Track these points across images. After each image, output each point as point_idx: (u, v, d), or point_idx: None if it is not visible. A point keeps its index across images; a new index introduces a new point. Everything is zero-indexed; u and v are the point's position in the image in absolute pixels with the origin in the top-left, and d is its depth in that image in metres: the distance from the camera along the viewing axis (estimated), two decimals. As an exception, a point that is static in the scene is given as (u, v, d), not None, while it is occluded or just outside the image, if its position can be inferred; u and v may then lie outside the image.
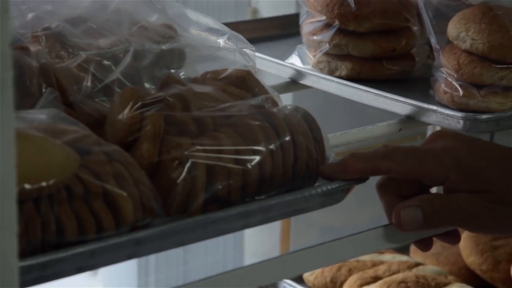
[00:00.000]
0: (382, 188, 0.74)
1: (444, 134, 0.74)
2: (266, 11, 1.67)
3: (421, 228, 0.70)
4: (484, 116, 0.88)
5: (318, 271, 1.31)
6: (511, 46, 0.89)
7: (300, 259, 0.69)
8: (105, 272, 1.92)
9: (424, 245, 0.75)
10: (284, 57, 1.08)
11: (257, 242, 1.76)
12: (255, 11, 1.68)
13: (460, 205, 0.70)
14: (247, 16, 1.68)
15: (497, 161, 0.72)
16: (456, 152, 0.71)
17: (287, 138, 0.64)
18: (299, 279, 1.31)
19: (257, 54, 1.09)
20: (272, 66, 1.07)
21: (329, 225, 1.71)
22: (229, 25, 1.18)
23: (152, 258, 1.79)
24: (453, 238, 0.75)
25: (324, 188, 0.68)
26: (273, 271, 0.68)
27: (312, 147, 0.66)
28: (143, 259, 1.75)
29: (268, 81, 1.21)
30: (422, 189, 0.74)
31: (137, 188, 0.61)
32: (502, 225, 0.72)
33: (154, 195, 0.62)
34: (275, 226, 1.71)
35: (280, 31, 1.21)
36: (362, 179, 0.71)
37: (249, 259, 1.81)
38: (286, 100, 0.97)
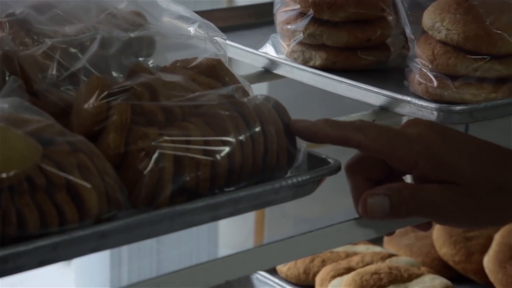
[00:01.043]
0: (350, 169, 0.74)
1: (419, 121, 0.74)
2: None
3: (387, 217, 0.70)
4: (458, 108, 0.88)
5: (291, 262, 1.30)
6: (486, 37, 0.89)
7: (273, 252, 0.69)
8: (78, 262, 1.91)
9: (423, 225, 0.75)
10: (258, 46, 1.07)
11: (231, 233, 1.76)
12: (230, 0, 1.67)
13: (429, 197, 0.69)
14: (223, 5, 1.66)
15: (470, 154, 0.71)
16: (429, 140, 0.70)
17: (257, 129, 0.64)
18: (272, 270, 1.30)
19: (230, 43, 1.08)
20: (245, 55, 1.06)
21: (304, 215, 1.71)
22: (203, 13, 1.16)
23: (124, 248, 1.78)
24: (425, 225, 0.75)
25: (295, 180, 0.68)
26: (246, 263, 0.68)
27: (283, 138, 0.66)
28: (115, 250, 1.75)
29: (241, 71, 1.19)
30: (392, 176, 0.73)
31: (102, 180, 0.60)
32: (470, 218, 0.72)
33: (119, 187, 0.61)
34: (249, 217, 1.70)
35: (254, 20, 1.20)
36: (335, 170, 0.71)
37: (223, 250, 1.81)
38: (261, 90, 0.96)
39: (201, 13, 1.14)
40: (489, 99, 0.90)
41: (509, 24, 0.90)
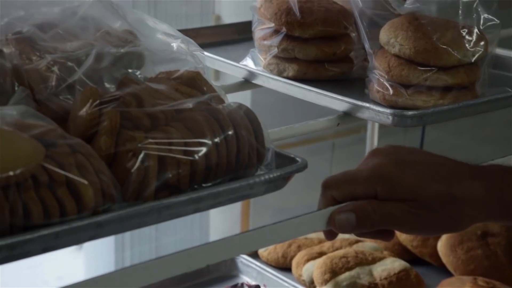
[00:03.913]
0: (324, 187, 0.74)
1: (377, 152, 0.75)
2: (228, 18, 1.66)
3: (354, 230, 0.71)
4: (410, 113, 0.88)
5: (271, 247, 1.30)
6: (434, 51, 0.90)
7: (255, 237, 0.69)
8: (87, 247, 1.91)
9: (385, 236, 0.75)
10: (239, 59, 1.07)
11: (220, 222, 1.76)
12: (218, 18, 1.67)
13: (389, 211, 0.70)
14: (211, 23, 1.67)
15: (422, 172, 0.72)
16: (383, 168, 0.71)
17: (231, 132, 0.64)
18: (254, 255, 1.31)
19: (215, 56, 1.08)
20: (228, 68, 1.06)
21: (283, 207, 1.71)
22: (192, 30, 1.17)
23: (127, 236, 1.78)
24: (387, 235, 0.75)
25: (266, 176, 0.68)
26: (231, 247, 0.67)
27: (253, 140, 0.66)
28: (119, 237, 1.75)
29: (224, 81, 1.20)
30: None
31: (98, 177, 0.60)
32: (428, 228, 0.72)
33: (113, 183, 0.61)
34: (236, 208, 1.70)
35: (237, 36, 1.20)
36: (302, 168, 0.71)
37: (213, 237, 1.81)
38: (242, 97, 0.96)
39: (190, 30, 1.14)
40: (437, 105, 0.91)
41: (453, 40, 0.90)
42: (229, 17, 1.66)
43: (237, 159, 0.65)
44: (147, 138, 0.61)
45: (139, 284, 0.62)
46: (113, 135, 0.61)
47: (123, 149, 0.61)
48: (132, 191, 0.61)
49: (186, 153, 0.62)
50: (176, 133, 0.62)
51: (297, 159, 0.71)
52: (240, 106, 0.66)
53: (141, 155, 0.60)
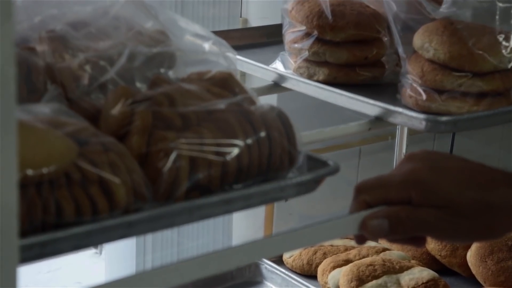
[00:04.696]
0: (357, 191, 0.74)
1: (412, 156, 0.75)
2: (255, 21, 1.67)
3: (386, 236, 0.71)
4: (444, 118, 0.88)
5: (296, 254, 1.31)
6: (469, 56, 0.90)
7: (287, 239, 0.69)
8: (107, 251, 1.92)
9: (417, 242, 0.75)
10: (268, 62, 1.08)
11: (244, 228, 1.76)
12: (245, 21, 1.68)
13: (423, 217, 0.70)
14: (239, 25, 1.67)
15: (457, 178, 0.71)
16: (419, 173, 0.71)
17: (263, 134, 0.64)
18: (279, 261, 1.31)
19: (244, 59, 1.09)
20: (257, 70, 1.07)
21: (307, 213, 1.71)
22: (221, 33, 1.17)
23: (149, 240, 1.79)
24: (419, 242, 0.75)
25: (298, 179, 0.68)
26: (254, 251, 0.67)
27: (285, 142, 0.66)
28: (141, 241, 1.76)
29: (254, 84, 1.20)
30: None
31: (130, 176, 0.60)
32: (462, 235, 0.72)
33: (144, 183, 0.61)
34: (260, 214, 1.71)
35: (266, 39, 1.21)
36: (333, 171, 0.71)
37: (236, 242, 1.81)
38: (271, 101, 0.97)
39: (219, 33, 1.15)
40: (472, 111, 0.91)
41: (489, 45, 0.90)
42: (256, 21, 1.66)
43: (268, 161, 0.65)
44: (179, 138, 0.61)
45: (165, 286, 0.62)
46: (145, 134, 0.61)
47: (154, 149, 0.61)
48: (163, 191, 0.61)
49: (217, 154, 0.62)
50: (208, 134, 0.62)
51: (329, 162, 0.72)
52: (273, 108, 0.66)
53: (173, 155, 0.60)
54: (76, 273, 2.12)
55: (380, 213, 0.70)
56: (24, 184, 0.56)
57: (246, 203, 0.66)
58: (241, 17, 1.69)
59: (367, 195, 0.72)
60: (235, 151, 0.63)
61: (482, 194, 0.70)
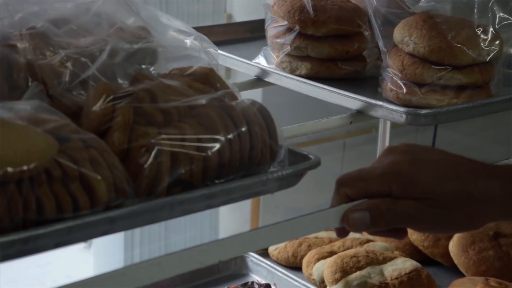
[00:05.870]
0: (338, 184, 0.73)
1: (392, 149, 0.74)
2: (240, 16, 1.66)
3: (368, 229, 0.70)
4: (424, 111, 0.88)
5: (281, 246, 1.30)
6: (448, 49, 0.89)
7: (269, 233, 0.68)
8: (96, 245, 1.91)
9: (399, 234, 0.74)
10: (252, 57, 1.07)
11: (230, 221, 1.76)
12: (230, 16, 1.67)
13: (404, 209, 0.69)
14: (223, 21, 1.67)
15: (437, 170, 0.71)
16: (398, 166, 0.71)
17: (244, 129, 0.64)
18: (264, 254, 1.30)
19: (228, 54, 1.08)
20: (240, 65, 1.07)
21: (294, 206, 1.71)
22: (205, 28, 1.17)
23: (136, 234, 1.79)
24: (400, 234, 0.74)
25: (279, 173, 0.68)
26: (245, 243, 0.67)
27: (266, 137, 0.66)
28: (129, 235, 1.75)
29: (237, 78, 1.20)
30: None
31: (111, 172, 0.60)
32: (443, 226, 0.71)
33: (126, 178, 0.61)
34: (246, 207, 1.70)
35: (249, 34, 1.21)
36: (315, 165, 0.71)
37: (223, 236, 1.80)
38: (254, 95, 0.96)
39: (203, 28, 1.15)
40: (451, 104, 0.91)
41: (468, 39, 0.90)
42: (240, 16, 1.66)
43: (250, 156, 0.65)
44: (160, 134, 0.61)
45: (150, 280, 0.62)
46: (126, 130, 0.61)
47: (136, 145, 0.61)
48: (145, 186, 0.61)
49: (199, 149, 0.62)
50: (189, 129, 0.62)
51: (310, 156, 0.71)
52: (254, 102, 0.66)
53: (154, 151, 0.60)
54: (65, 267, 2.12)
55: (361, 206, 0.70)
56: (4, 181, 0.55)
57: (228, 198, 0.65)
58: (225, 12, 1.68)
59: (348, 188, 0.71)
60: (217, 146, 0.63)
61: (462, 185, 0.70)
